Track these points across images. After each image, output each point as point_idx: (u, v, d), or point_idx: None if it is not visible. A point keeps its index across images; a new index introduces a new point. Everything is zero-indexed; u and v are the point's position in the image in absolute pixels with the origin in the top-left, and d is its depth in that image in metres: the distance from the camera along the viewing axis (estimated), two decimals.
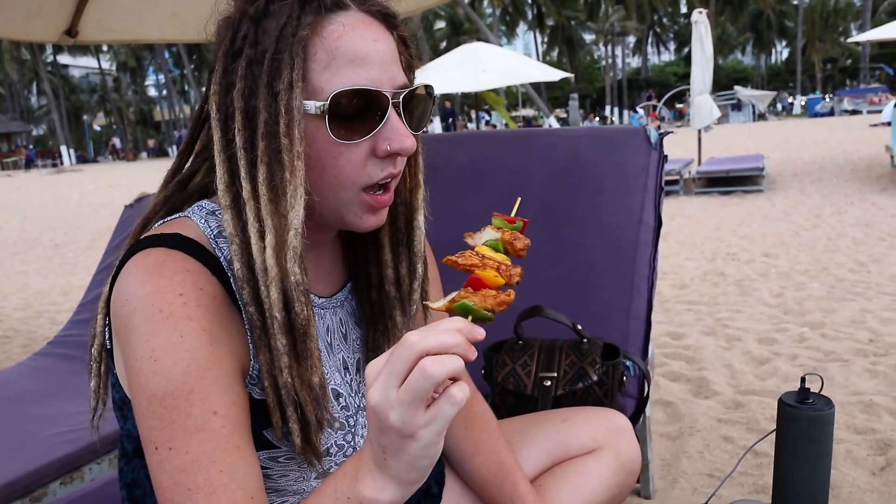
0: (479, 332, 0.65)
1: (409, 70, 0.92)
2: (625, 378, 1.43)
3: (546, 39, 59.00)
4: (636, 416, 1.49)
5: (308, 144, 0.82)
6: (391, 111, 0.83)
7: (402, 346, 0.63)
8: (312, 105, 0.80)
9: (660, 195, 1.82)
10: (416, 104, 0.89)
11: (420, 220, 0.98)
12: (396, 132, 0.83)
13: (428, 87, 0.91)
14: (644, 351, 1.68)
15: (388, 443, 0.66)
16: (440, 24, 54.57)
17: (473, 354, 0.64)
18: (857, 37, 13.23)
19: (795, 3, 54.96)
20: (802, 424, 1.07)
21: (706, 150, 12.91)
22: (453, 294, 0.70)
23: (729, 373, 3.11)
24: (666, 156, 1.87)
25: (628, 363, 1.53)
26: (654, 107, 34.07)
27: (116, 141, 53.42)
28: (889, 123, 11.14)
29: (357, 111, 0.81)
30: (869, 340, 3.37)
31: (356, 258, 1.03)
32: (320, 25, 0.81)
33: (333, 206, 0.86)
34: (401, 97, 0.84)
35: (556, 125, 25.06)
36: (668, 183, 9.87)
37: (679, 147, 15.93)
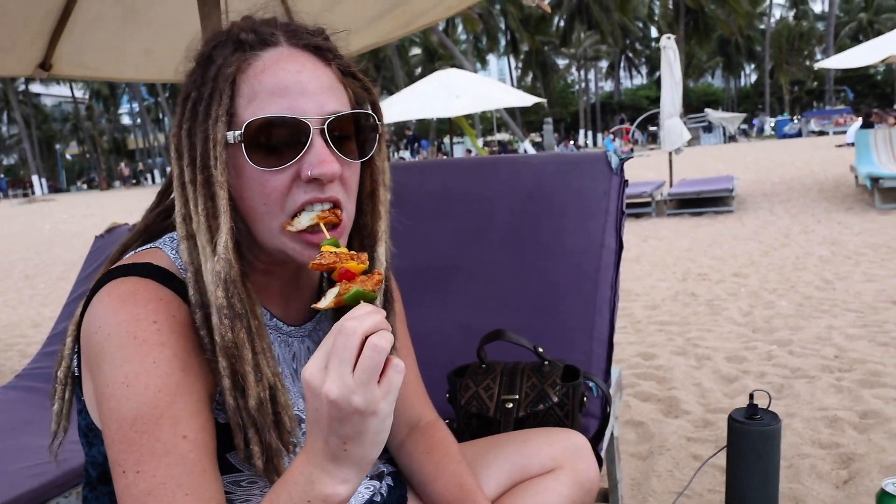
0: (382, 311, 0.73)
1: (358, 100, 0.94)
2: (585, 399, 1.46)
3: (520, 65, 59.75)
4: (599, 435, 1.52)
5: (237, 175, 0.86)
6: (315, 137, 0.85)
7: (342, 335, 0.69)
8: (232, 135, 0.84)
9: (621, 219, 1.86)
10: (355, 131, 0.91)
11: (381, 251, 0.98)
12: (318, 157, 0.85)
13: (370, 115, 0.92)
14: (606, 372, 1.71)
15: (350, 429, 0.70)
16: (415, 51, 55.06)
17: (390, 328, 0.72)
18: (824, 62, 13.57)
19: (763, 27, 56.31)
20: (751, 439, 1.11)
21: (677, 172, 13.13)
22: (334, 290, 0.78)
23: (699, 392, 3.16)
24: (626, 180, 1.92)
25: (591, 384, 1.57)
26: (627, 131, 34.58)
27: (122, 166, 52.94)
28: (853, 144, 11.45)
29: (277, 139, 0.85)
30: (834, 356, 3.45)
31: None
32: (247, 63, 0.86)
33: (269, 239, 0.89)
34: (325, 123, 0.85)
35: (531, 150, 25.30)
36: (640, 205, 10.01)
37: (651, 170, 16.17)
